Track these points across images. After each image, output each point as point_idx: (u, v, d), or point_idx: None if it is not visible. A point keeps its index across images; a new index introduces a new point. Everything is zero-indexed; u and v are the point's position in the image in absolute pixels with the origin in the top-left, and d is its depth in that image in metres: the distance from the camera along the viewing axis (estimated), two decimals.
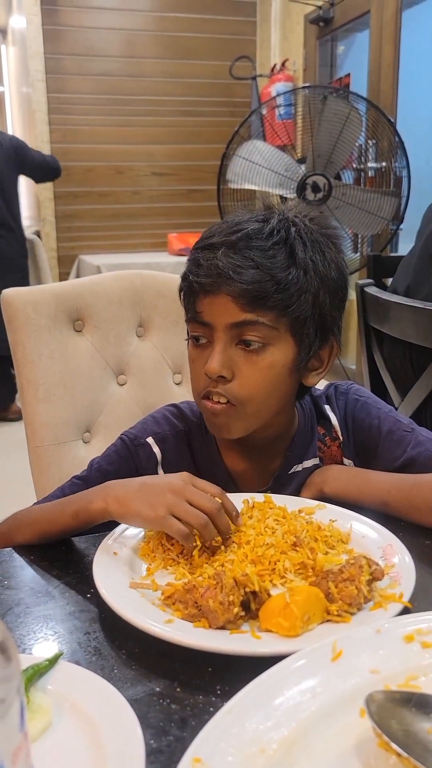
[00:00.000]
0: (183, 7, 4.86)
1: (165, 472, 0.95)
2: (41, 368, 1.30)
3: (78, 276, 4.47)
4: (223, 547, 0.74)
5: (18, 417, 3.89)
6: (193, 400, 0.95)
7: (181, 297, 0.93)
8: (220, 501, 0.75)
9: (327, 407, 1.00)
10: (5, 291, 1.29)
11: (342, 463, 1.00)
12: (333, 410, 1.00)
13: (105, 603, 0.65)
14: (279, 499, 0.86)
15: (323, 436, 1.00)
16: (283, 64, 4.50)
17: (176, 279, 1.45)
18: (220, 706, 0.49)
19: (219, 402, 0.85)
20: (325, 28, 4.10)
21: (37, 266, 4.28)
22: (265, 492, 0.92)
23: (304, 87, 3.20)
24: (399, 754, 0.44)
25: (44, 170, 4.14)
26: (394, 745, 0.45)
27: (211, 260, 0.83)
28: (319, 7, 4.02)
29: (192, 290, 0.88)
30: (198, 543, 0.73)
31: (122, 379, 1.41)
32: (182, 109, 4.98)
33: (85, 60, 4.79)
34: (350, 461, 0.99)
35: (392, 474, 0.91)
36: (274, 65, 4.62)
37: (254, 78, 4.62)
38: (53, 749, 0.50)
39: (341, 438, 0.99)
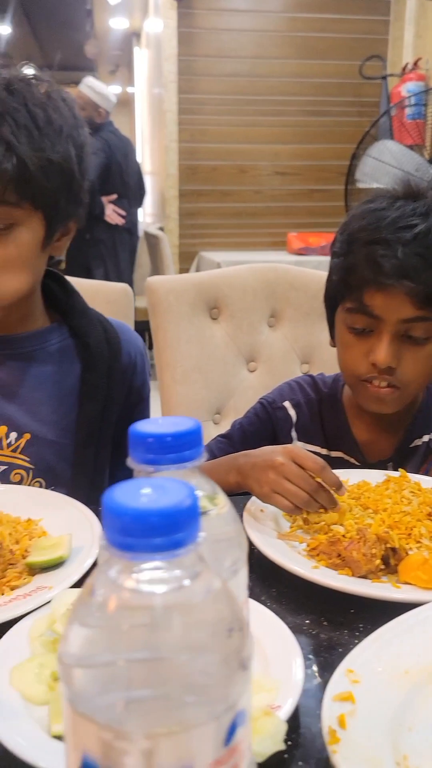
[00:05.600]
0: (315, 7, 4.89)
1: (298, 435, 1.03)
2: (179, 352, 1.40)
3: (198, 271, 4.62)
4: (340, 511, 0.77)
5: None
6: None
7: (333, 286, 0.97)
8: (318, 479, 0.76)
9: None
10: (150, 279, 1.41)
11: None
12: None
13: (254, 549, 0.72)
14: (413, 477, 0.90)
15: None
16: (415, 63, 4.44)
17: (308, 274, 1.52)
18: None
19: (381, 386, 0.91)
20: None
21: (160, 261, 4.48)
22: (388, 462, 0.98)
23: None
24: None
25: None
26: None
27: (391, 258, 0.85)
28: None
29: (360, 282, 0.89)
30: (305, 513, 0.77)
31: (252, 366, 1.50)
32: (309, 109, 5.01)
33: (216, 61, 4.92)
34: None
35: None
36: (406, 64, 4.56)
37: (384, 77, 4.59)
38: None
39: None
